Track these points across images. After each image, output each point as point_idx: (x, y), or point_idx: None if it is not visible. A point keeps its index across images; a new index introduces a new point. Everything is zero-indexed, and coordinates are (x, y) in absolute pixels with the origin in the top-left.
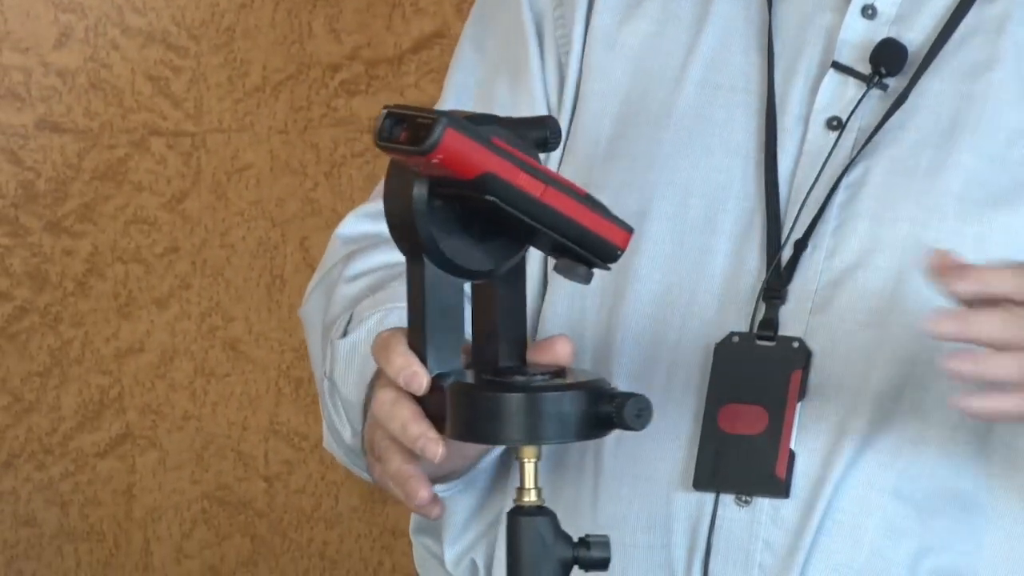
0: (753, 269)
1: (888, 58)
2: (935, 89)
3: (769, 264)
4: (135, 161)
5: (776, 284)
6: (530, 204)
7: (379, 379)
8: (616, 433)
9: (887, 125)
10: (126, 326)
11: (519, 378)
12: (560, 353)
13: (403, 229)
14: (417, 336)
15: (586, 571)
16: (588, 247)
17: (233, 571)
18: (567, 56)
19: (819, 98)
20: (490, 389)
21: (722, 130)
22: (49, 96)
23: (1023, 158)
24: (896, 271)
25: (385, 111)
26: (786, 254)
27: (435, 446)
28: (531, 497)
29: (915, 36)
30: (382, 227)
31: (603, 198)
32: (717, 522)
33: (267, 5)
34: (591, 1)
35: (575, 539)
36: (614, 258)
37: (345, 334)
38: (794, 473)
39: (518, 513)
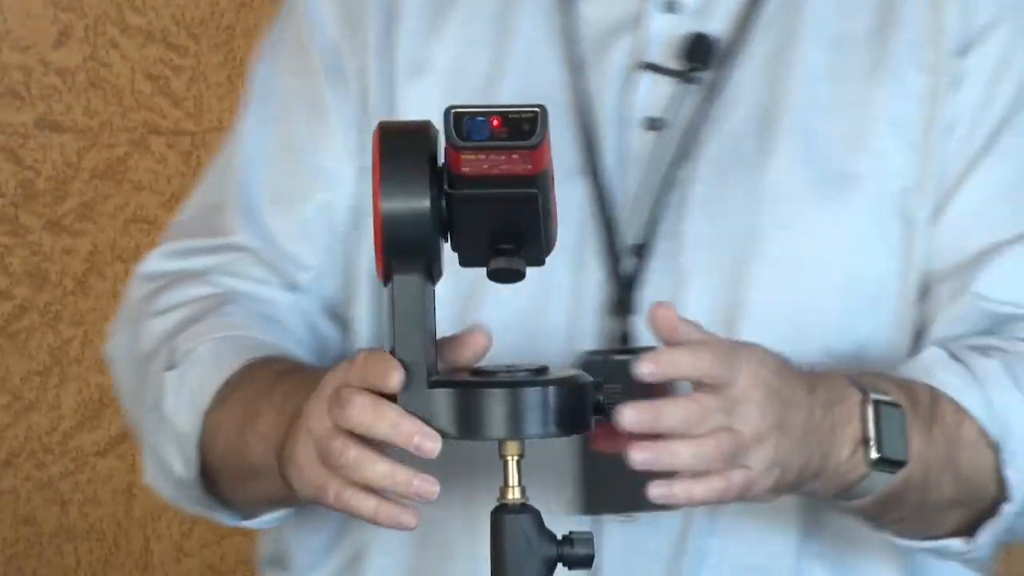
0: (597, 280)
1: (699, 52)
2: (747, 77)
3: (612, 274)
4: (135, 160)
5: (624, 295)
6: (549, 199)
7: (333, 392)
8: (488, 468)
9: (706, 119)
10: None
11: (502, 374)
12: (478, 346)
13: (412, 242)
14: (419, 349)
15: (570, 568)
16: (551, 245)
17: (233, 570)
18: (366, 89)
19: (634, 100)
20: (474, 385)
21: None
22: (49, 95)
23: (841, 135)
24: (739, 265)
25: (450, 110)
26: (628, 262)
27: (432, 441)
28: (515, 495)
29: (719, 26)
30: (186, 264)
31: None
32: (604, 539)
33: (267, 4)
34: (389, 28)
35: (559, 537)
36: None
37: (171, 367)
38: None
39: (502, 511)
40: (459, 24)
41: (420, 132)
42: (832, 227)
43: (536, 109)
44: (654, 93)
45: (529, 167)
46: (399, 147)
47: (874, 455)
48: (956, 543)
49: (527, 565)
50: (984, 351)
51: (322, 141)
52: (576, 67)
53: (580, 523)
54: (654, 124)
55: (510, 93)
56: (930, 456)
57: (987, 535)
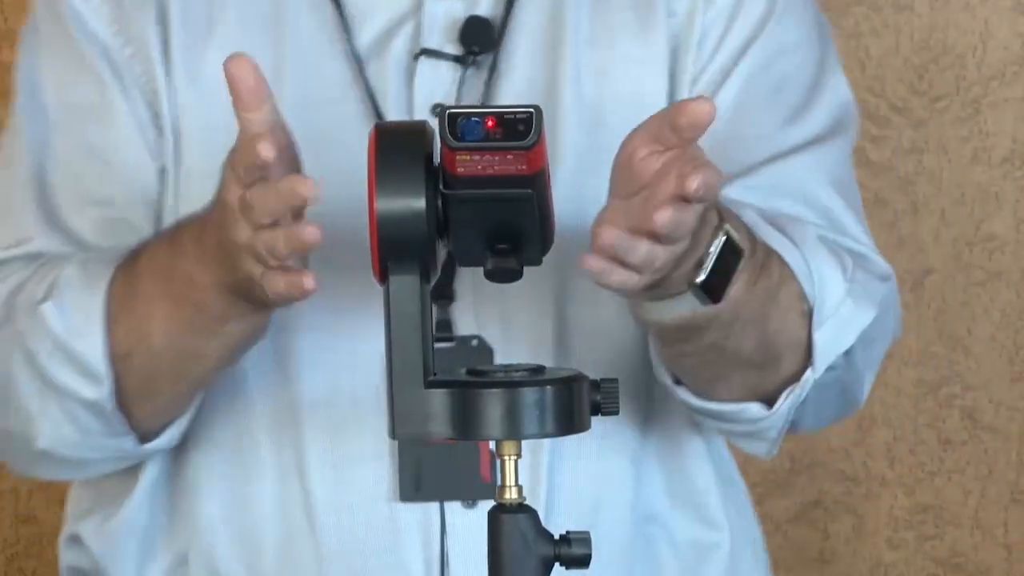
0: None
1: (477, 35)
2: (521, 52)
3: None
4: None
5: (442, 283)
6: (545, 199)
7: (238, 205)
8: (319, 462)
9: (490, 99)
10: None
11: (499, 374)
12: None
13: (408, 242)
14: (416, 349)
15: (567, 568)
16: (548, 246)
17: None
18: (155, 94)
19: (417, 88)
20: (471, 385)
21: (339, 147)
22: None
23: (616, 94)
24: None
25: (445, 112)
26: (442, 252)
27: (304, 187)
28: (512, 495)
29: (489, 7)
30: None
31: None
32: (448, 528)
33: None
34: (164, 37)
35: (556, 536)
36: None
37: (42, 300)
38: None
39: (499, 511)
40: (231, 31)
41: (415, 132)
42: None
43: (531, 110)
44: (436, 79)
45: (524, 167)
46: (394, 147)
47: (698, 279)
48: (755, 407)
49: (524, 565)
50: (792, 220)
51: (120, 141)
52: (357, 60)
53: (426, 512)
54: (440, 111)
55: (294, 93)
56: (744, 306)
57: (785, 400)
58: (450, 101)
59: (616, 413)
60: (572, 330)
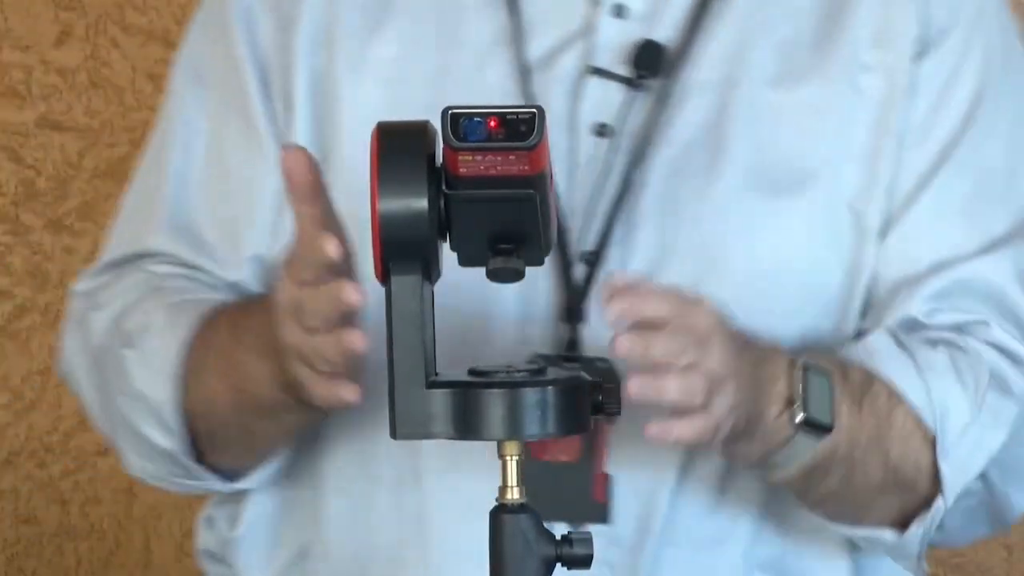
0: (547, 288)
1: (649, 60)
2: (695, 82)
3: (563, 281)
4: (135, 160)
5: (574, 303)
6: (547, 199)
7: (290, 307)
8: (435, 469)
9: (655, 126)
10: None
11: (501, 374)
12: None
13: (410, 243)
14: (418, 349)
15: (569, 569)
16: (550, 247)
17: None
18: (292, 88)
19: (583, 106)
20: (473, 386)
21: None
22: (49, 94)
23: (791, 140)
24: (690, 275)
25: (447, 111)
26: (579, 270)
27: (354, 292)
28: (514, 495)
29: (667, 31)
30: (115, 273)
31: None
32: None
33: None
34: (325, 28)
35: (558, 536)
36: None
37: (127, 346)
38: (616, 494)
39: (501, 511)
40: (400, 25)
41: (418, 132)
42: (782, 236)
43: (533, 110)
44: (603, 99)
45: (527, 168)
46: (397, 147)
47: (799, 416)
48: (887, 533)
49: (526, 565)
50: (933, 343)
51: (254, 154)
52: (524, 72)
53: None
54: (603, 130)
55: (456, 95)
56: (858, 431)
57: (918, 528)
58: (614, 122)
59: (617, 414)
60: None
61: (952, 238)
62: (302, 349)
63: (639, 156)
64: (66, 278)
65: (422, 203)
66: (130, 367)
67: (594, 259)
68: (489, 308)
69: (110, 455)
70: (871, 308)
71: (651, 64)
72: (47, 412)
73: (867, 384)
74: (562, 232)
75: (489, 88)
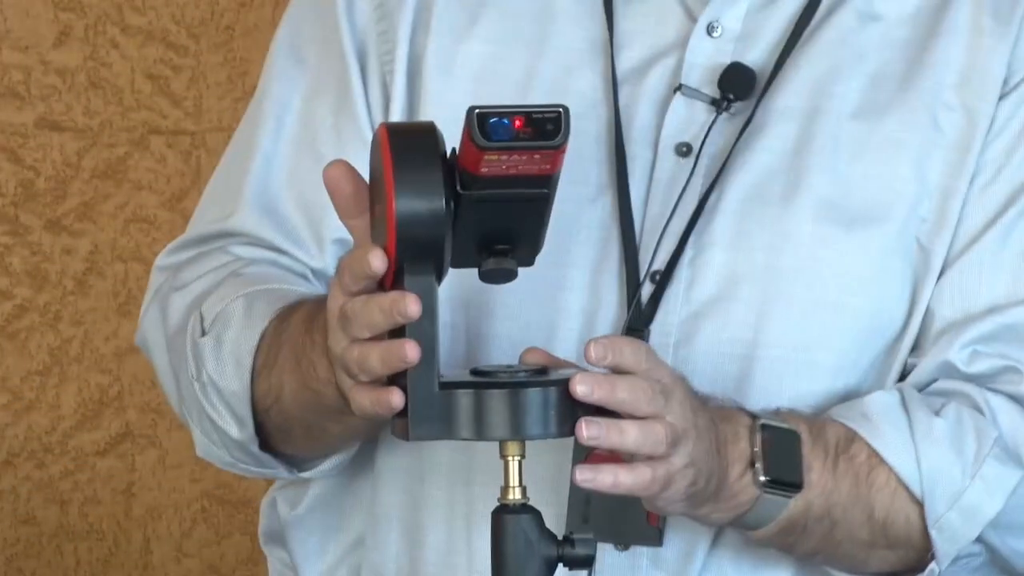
0: (612, 303)
1: (736, 83)
2: (781, 109)
3: (629, 299)
4: (135, 160)
5: (638, 320)
6: (553, 200)
7: (339, 314)
8: (486, 471)
9: (736, 149)
10: (126, 325)
11: (503, 375)
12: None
13: (426, 242)
14: (431, 351)
15: (570, 569)
16: (542, 246)
17: (233, 570)
18: (391, 75)
19: (667, 123)
20: (477, 386)
21: (569, 159)
22: (49, 95)
23: (868, 173)
24: (757, 301)
25: (473, 110)
26: (646, 288)
27: (413, 303)
28: (515, 495)
29: (759, 55)
30: (201, 248)
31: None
32: (597, 566)
33: (266, 4)
34: (422, 18)
35: (559, 537)
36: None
37: (204, 333)
38: (670, 517)
39: (503, 511)
40: (493, 23)
41: (430, 132)
42: (851, 269)
43: (559, 109)
44: (688, 119)
45: (548, 167)
46: (409, 147)
47: (762, 477)
48: None
49: (528, 565)
50: (940, 409)
51: (344, 129)
52: (615, 83)
53: None
54: (684, 150)
55: (543, 96)
56: (833, 489)
57: None
58: (697, 142)
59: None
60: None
61: (1009, 283)
62: (345, 359)
63: (717, 179)
64: (65, 278)
65: (439, 203)
66: (206, 355)
67: (662, 279)
68: (552, 319)
69: (109, 455)
70: (918, 344)
71: (738, 87)
72: (46, 412)
73: (846, 443)
74: (633, 249)
75: (576, 96)
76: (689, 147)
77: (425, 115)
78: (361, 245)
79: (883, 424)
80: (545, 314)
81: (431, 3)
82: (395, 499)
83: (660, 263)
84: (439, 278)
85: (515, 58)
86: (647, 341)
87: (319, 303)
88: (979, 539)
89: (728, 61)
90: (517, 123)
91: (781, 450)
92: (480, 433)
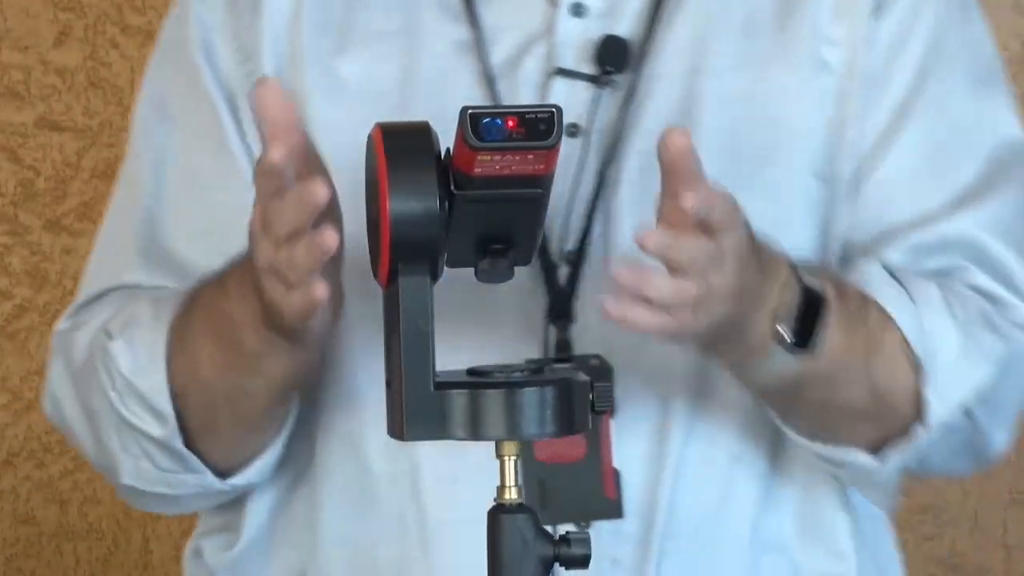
0: (534, 290)
1: (612, 55)
2: (661, 74)
3: (548, 283)
4: None
5: (560, 303)
6: (548, 199)
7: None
8: (433, 480)
9: (626, 122)
10: None
11: (498, 374)
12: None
13: (421, 243)
14: (426, 351)
15: (567, 569)
16: (537, 246)
17: None
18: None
19: None
20: (473, 386)
21: None
22: (48, 95)
23: (760, 122)
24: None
25: (466, 111)
26: (562, 271)
27: (320, 187)
28: (512, 495)
29: (629, 26)
30: (99, 304)
31: (357, 247)
32: None
33: None
34: (289, 52)
35: (556, 537)
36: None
37: (115, 338)
38: (623, 488)
39: (499, 511)
40: (362, 44)
41: (424, 132)
42: (757, 218)
43: (552, 109)
44: (570, 99)
45: (541, 167)
46: (403, 148)
47: (783, 331)
48: (864, 457)
49: (524, 565)
50: (925, 276)
51: (226, 173)
52: (489, 79)
53: None
54: (573, 130)
55: (424, 108)
56: (845, 356)
57: (897, 455)
58: (584, 122)
59: (605, 412)
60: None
61: (923, 192)
62: (275, 263)
63: (611, 153)
64: (65, 278)
65: (434, 203)
66: (119, 357)
67: (576, 258)
68: (476, 314)
69: None
70: (847, 268)
71: (615, 60)
72: None
73: (863, 309)
74: (543, 234)
75: (454, 97)
76: (577, 127)
77: (315, 142)
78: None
79: (882, 288)
80: (468, 310)
81: (296, 36)
82: (338, 523)
83: (572, 243)
84: (434, 278)
85: (389, 73)
86: (573, 322)
87: (227, 265)
88: (965, 412)
89: (597, 37)
90: (510, 123)
91: (807, 312)
92: (476, 433)
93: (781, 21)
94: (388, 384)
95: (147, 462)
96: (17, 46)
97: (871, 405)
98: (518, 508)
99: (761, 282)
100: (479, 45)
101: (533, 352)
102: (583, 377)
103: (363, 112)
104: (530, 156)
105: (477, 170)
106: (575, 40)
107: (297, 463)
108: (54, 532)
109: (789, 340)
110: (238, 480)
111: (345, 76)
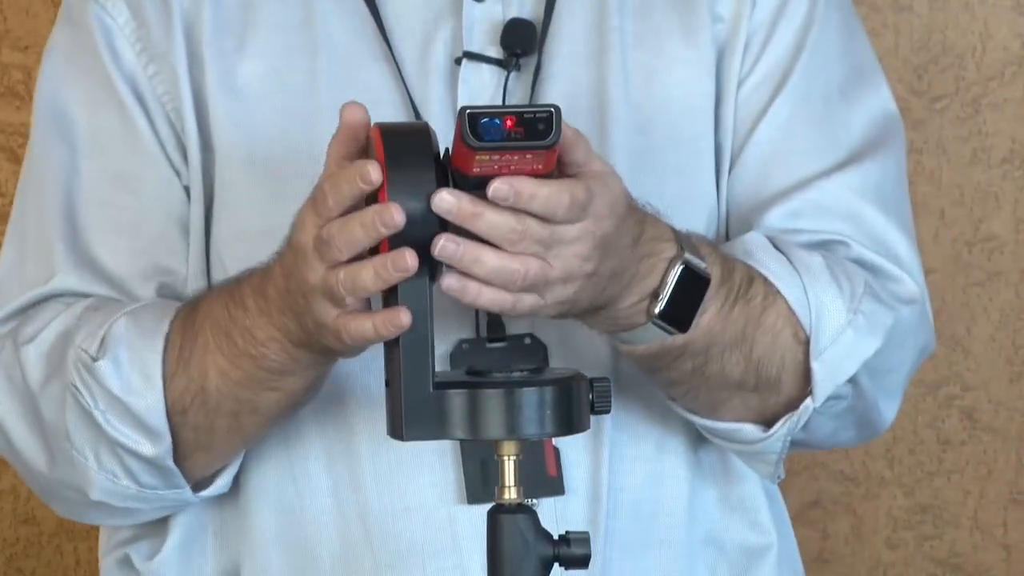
0: None
1: (519, 38)
2: (566, 55)
3: None
4: None
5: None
6: None
7: (315, 242)
8: (373, 471)
9: (537, 103)
10: None
11: (498, 375)
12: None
13: (420, 243)
14: (425, 351)
15: (567, 568)
16: None
17: None
18: (177, 112)
19: (461, 94)
20: (473, 386)
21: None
22: None
23: (659, 98)
24: None
25: (465, 111)
26: None
27: (396, 213)
28: (511, 495)
29: (528, 9)
30: (26, 314)
31: (278, 240)
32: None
33: None
34: (192, 52)
35: (555, 536)
36: None
37: (95, 359)
38: (565, 466)
39: (499, 511)
40: (263, 40)
41: (423, 132)
42: (669, 195)
43: (551, 109)
44: (480, 83)
45: (540, 167)
46: (402, 148)
47: (656, 310)
48: (749, 428)
49: (524, 565)
50: (807, 246)
51: (147, 166)
52: (396, 65)
53: (483, 515)
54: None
55: (331, 100)
56: (721, 331)
57: (782, 426)
58: (496, 104)
59: (607, 412)
60: None
61: (799, 160)
62: (330, 284)
63: None
64: None
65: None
66: (107, 378)
67: None
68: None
69: None
70: (729, 238)
71: (522, 42)
72: None
73: (748, 284)
74: None
75: (364, 88)
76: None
77: (219, 140)
78: (337, 168)
79: (766, 259)
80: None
81: (198, 36)
82: (273, 521)
83: None
84: (433, 278)
85: (294, 67)
86: None
87: (234, 280)
88: (851, 383)
89: (500, 20)
90: (508, 123)
91: (686, 293)
92: (475, 433)
93: (676, 1)
94: (387, 384)
95: (128, 480)
96: (17, 46)
97: (750, 376)
98: (518, 508)
99: (637, 263)
100: (382, 32)
101: (466, 332)
102: (583, 377)
103: (268, 109)
104: (528, 156)
105: (476, 170)
106: (480, 24)
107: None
108: (54, 532)
109: (663, 322)
110: (210, 492)
111: (248, 74)
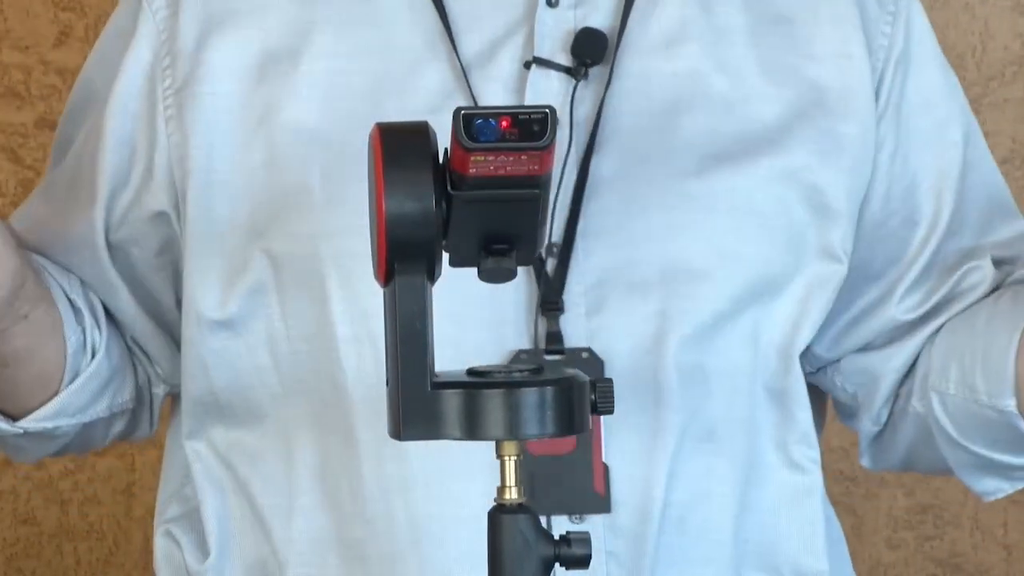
0: (519, 284)
1: (590, 47)
2: (639, 69)
3: (537, 276)
4: None
5: (550, 295)
6: (546, 199)
7: None
8: (424, 477)
9: (603, 115)
10: None
11: (499, 375)
12: None
13: (417, 243)
14: (422, 351)
15: (567, 569)
16: (542, 244)
17: None
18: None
19: (528, 99)
20: (473, 386)
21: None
22: (49, 95)
23: (740, 124)
24: (657, 259)
25: (459, 111)
26: (549, 263)
27: None
28: (512, 495)
29: (602, 18)
30: None
31: (332, 245)
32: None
33: None
34: (257, 52)
35: (556, 537)
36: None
37: None
38: (614, 481)
39: (500, 511)
40: (328, 39)
41: (421, 132)
42: (743, 216)
43: (546, 110)
44: (547, 91)
45: (536, 168)
46: (400, 148)
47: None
48: None
49: (525, 565)
50: None
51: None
52: (464, 69)
53: None
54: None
55: (394, 103)
56: None
57: None
58: (561, 114)
59: (611, 413)
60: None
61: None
62: None
63: (592, 145)
64: None
65: (430, 203)
66: None
67: (562, 252)
68: (459, 309)
69: (109, 455)
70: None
71: (592, 51)
72: None
73: None
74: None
75: (428, 92)
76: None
77: (283, 141)
78: None
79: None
80: (451, 306)
81: (261, 45)
82: (325, 523)
83: (557, 236)
84: (431, 278)
85: (360, 68)
86: (562, 313)
87: None
88: None
89: (572, 28)
90: (503, 124)
91: None
92: (473, 433)
93: (758, 29)
94: (387, 383)
95: None
96: (17, 46)
97: None
98: (519, 508)
99: None
100: (449, 35)
101: (523, 345)
102: (583, 377)
103: (332, 111)
104: (524, 156)
105: (472, 171)
106: (552, 31)
107: (276, 466)
108: (54, 532)
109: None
110: (27, 421)
111: (313, 74)
